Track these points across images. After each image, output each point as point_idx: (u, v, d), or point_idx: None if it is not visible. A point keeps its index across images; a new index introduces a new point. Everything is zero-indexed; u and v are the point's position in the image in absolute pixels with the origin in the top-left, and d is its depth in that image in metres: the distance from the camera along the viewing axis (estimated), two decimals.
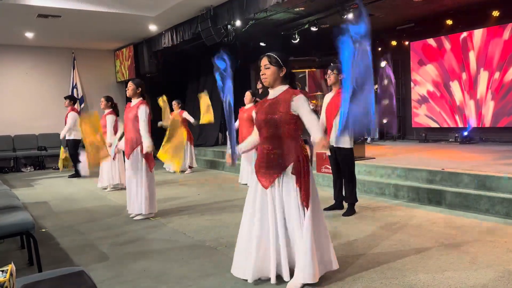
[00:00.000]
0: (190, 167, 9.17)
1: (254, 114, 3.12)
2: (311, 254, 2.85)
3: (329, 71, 4.90)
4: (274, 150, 2.90)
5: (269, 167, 2.93)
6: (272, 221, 2.94)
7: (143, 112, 4.96)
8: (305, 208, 2.89)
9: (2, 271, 1.75)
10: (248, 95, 7.16)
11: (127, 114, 5.12)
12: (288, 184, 2.90)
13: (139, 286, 3.14)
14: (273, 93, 3.00)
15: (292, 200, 2.89)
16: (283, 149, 2.90)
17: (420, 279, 3.05)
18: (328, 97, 5.02)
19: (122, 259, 3.75)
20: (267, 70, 2.95)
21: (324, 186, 6.50)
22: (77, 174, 9.12)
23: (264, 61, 2.97)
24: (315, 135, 2.86)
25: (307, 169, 2.92)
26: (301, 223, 2.87)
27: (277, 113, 2.88)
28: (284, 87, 2.97)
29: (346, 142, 4.84)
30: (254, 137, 3.24)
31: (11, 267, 1.79)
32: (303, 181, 2.89)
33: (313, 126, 2.87)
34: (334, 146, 4.92)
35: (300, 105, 2.87)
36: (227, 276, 3.23)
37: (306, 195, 2.89)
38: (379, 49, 10.76)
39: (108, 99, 7.39)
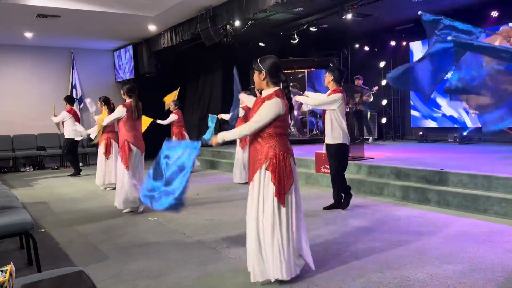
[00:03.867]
0: None
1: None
2: (286, 250, 2.93)
3: (327, 73, 5.11)
4: (256, 147, 3.04)
5: (253, 163, 3.06)
6: (253, 217, 3.00)
7: (116, 110, 5.55)
8: (281, 205, 2.94)
9: (2, 271, 1.75)
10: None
11: None
12: (265, 180, 2.98)
13: (138, 286, 3.15)
14: (263, 94, 3.15)
15: (267, 197, 2.95)
16: (262, 146, 3.01)
17: (418, 278, 3.06)
18: None
19: (121, 259, 3.75)
20: (254, 74, 3.14)
21: (323, 186, 6.48)
22: (76, 174, 9.13)
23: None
24: (227, 132, 3.15)
25: (283, 166, 2.97)
26: (275, 220, 2.92)
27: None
28: (271, 90, 3.07)
29: (335, 138, 4.95)
30: None
31: (10, 267, 1.79)
32: (278, 178, 2.94)
33: (241, 126, 3.12)
34: (327, 143, 5.05)
35: (261, 106, 3.00)
36: (226, 276, 3.24)
37: (279, 192, 2.93)
38: (376, 49, 10.81)
39: (100, 99, 7.51)
